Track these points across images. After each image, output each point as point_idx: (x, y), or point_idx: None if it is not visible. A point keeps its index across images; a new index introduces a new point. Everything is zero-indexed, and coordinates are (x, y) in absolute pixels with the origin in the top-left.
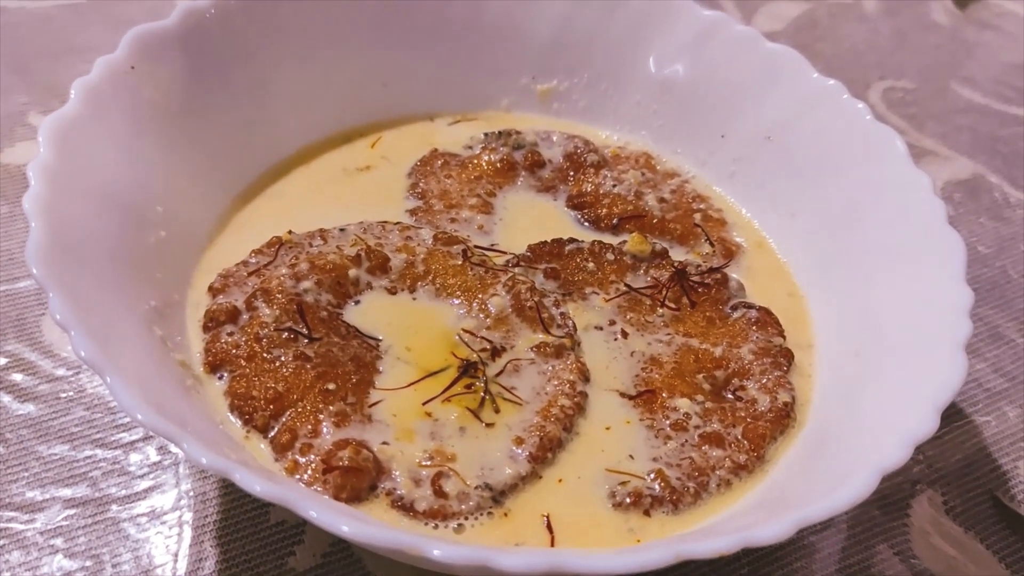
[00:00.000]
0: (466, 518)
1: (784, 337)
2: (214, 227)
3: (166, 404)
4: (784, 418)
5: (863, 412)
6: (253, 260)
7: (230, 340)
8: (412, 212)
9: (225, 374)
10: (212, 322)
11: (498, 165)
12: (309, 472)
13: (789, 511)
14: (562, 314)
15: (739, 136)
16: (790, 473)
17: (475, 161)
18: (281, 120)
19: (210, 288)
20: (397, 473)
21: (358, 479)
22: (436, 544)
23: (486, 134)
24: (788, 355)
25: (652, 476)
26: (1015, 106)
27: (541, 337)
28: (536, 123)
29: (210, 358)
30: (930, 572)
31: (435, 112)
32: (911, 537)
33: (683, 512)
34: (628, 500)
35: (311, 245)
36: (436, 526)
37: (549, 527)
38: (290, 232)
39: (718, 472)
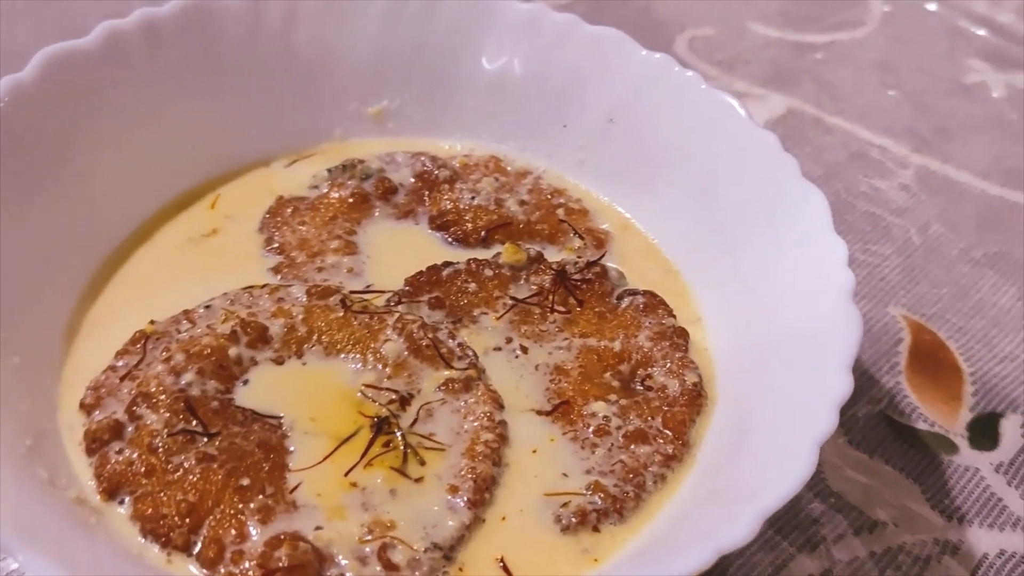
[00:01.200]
0: None
1: (675, 317)
2: (66, 335)
3: (86, 560)
4: (697, 398)
5: (772, 381)
6: (121, 363)
7: (121, 458)
8: (275, 270)
9: (126, 497)
10: (95, 443)
11: (350, 200)
12: None
13: (742, 503)
14: (460, 344)
15: (581, 124)
16: (718, 454)
17: (325, 201)
18: (108, 201)
19: (82, 405)
20: (340, 557)
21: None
22: None
23: (329, 170)
24: (683, 334)
25: (590, 490)
26: (809, 33)
27: (445, 374)
28: (375, 147)
29: (104, 484)
30: (851, 504)
31: (269, 156)
32: (826, 475)
33: (629, 518)
34: (574, 520)
35: (179, 331)
36: None
37: (506, 569)
38: (152, 322)
39: (651, 469)
